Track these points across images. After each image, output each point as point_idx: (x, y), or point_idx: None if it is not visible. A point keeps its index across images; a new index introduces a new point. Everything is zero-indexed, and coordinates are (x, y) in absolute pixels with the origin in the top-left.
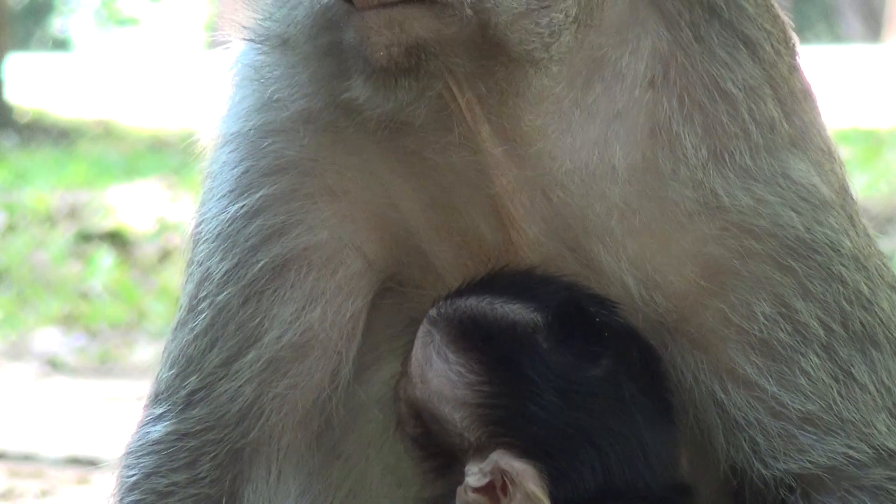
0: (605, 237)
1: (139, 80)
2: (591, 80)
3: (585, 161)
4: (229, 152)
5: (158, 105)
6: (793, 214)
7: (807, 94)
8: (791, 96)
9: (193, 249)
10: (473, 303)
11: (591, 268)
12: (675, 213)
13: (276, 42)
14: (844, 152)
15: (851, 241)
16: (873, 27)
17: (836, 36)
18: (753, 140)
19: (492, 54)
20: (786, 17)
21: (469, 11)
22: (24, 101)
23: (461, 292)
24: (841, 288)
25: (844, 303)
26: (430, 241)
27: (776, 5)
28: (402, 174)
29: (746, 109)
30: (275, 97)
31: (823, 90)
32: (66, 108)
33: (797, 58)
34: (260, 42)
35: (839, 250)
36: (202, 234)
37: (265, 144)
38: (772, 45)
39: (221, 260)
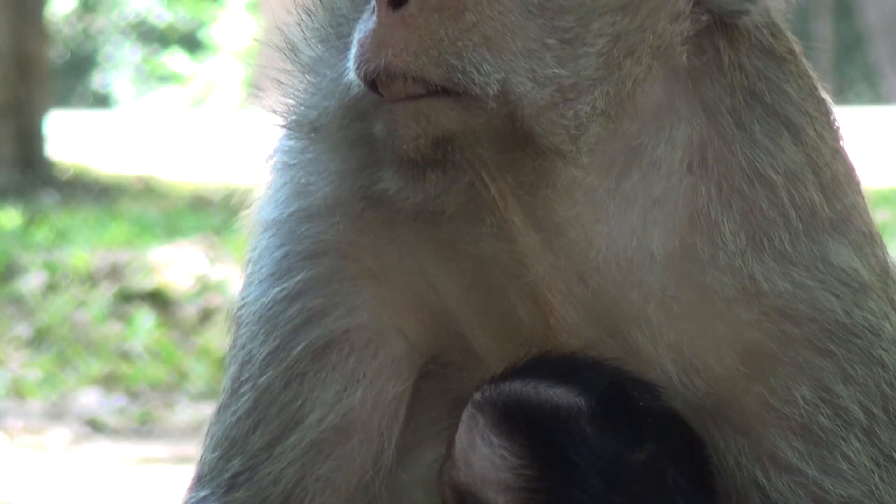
0: (643, 323)
1: (180, 137)
2: (628, 168)
3: (623, 248)
4: (269, 237)
5: (199, 161)
6: (832, 299)
7: (849, 178)
8: (833, 181)
9: (236, 332)
10: (518, 386)
11: (630, 353)
12: (714, 299)
13: (308, 129)
14: (884, 213)
15: (892, 325)
16: None
17: (877, 96)
18: (793, 225)
19: (520, 146)
20: (828, 97)
21: (494, 104)
22: (65, 157)
23: (505, 376)
24: (881, 372)
25: (885, 387)
26: (470, 324)
27: (819, 88)
28: (438, 260)
29: (786, 194)
30: (302, 181)
31: (864, 151)
32: (108, 164)
33: (841, 141)
34: (291, 129)
35: (879, 334)
36: (244, 317)
37: (303, 229)
38: (815, 130)
39: (263, 343)
